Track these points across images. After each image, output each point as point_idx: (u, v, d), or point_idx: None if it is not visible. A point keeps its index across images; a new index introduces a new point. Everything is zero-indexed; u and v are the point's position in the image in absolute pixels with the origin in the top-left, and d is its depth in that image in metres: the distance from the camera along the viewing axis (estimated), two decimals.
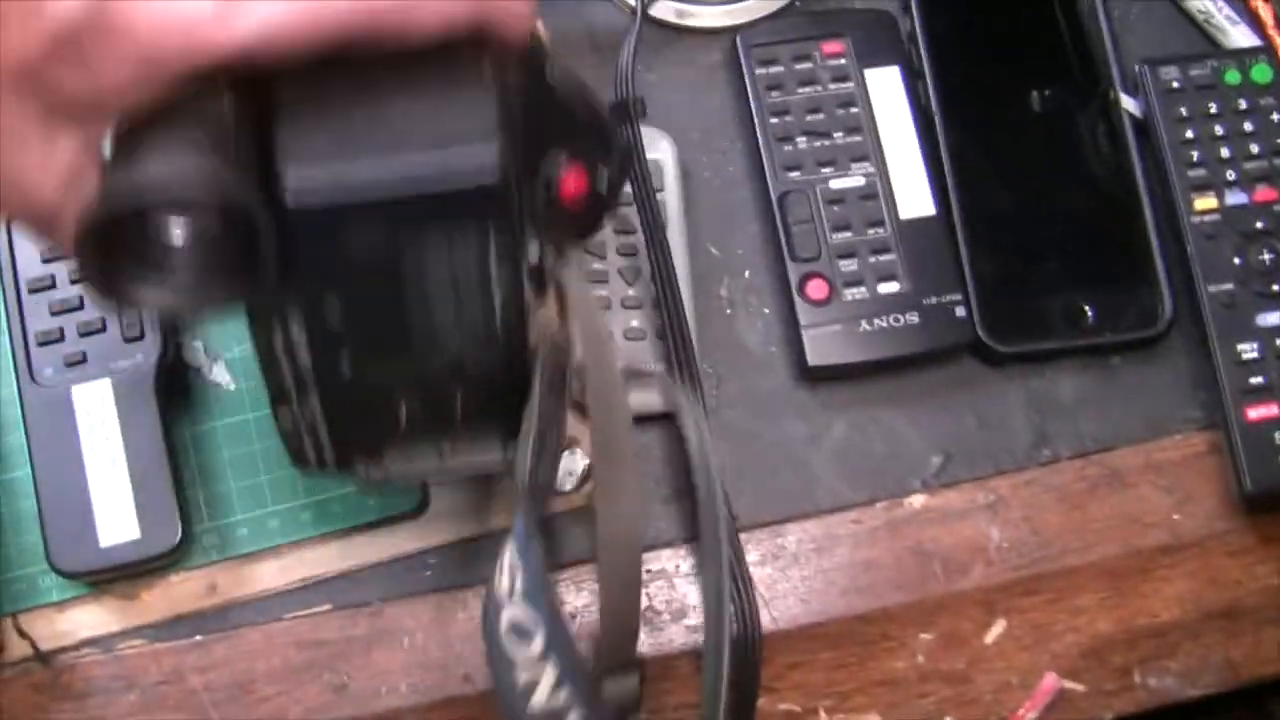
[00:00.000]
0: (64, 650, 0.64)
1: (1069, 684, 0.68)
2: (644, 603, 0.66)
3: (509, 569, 0.51)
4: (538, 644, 0.51)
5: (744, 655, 0.63)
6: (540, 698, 0.51)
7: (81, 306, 0.65)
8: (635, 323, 0.67)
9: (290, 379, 0.50)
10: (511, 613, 0.51)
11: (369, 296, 0.47)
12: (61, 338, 0.65)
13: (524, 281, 0.48)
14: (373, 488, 0.54)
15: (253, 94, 0.42)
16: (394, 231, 0.44)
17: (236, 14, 0.38)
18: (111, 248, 0.41)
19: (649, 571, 0.67)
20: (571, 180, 0.49)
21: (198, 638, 0.65)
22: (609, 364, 0.53)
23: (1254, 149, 0.70)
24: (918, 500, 0.68)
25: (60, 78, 0.39)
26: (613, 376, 0.52)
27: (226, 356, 0.67)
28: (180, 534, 0.63)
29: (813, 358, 0.67)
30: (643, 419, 0.68)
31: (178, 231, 0.42)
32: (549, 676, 0.51)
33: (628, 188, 0.67)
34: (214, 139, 0.41)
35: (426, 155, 0.42)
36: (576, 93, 0.49)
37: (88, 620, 0.65)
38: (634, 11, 0.69)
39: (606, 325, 0.54)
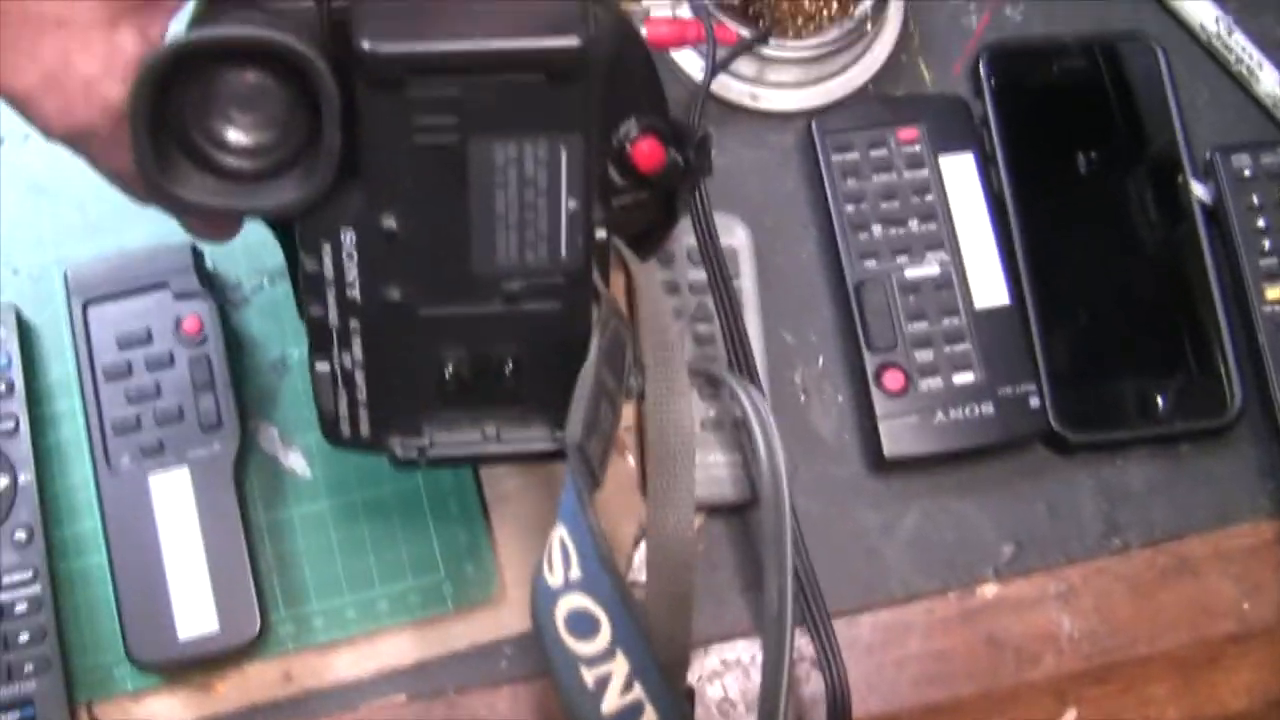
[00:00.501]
0: None
1: None
2: (719, 694, 0.66)
3: (560, 552, 0.46)
4: (604, 635, 0.46)
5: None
6: (612, 697, 0.46)
7: (158, 394, 0.65)
8: (713, 412, 0.66)
9: (335, 314, 0.47)
10: (570, 602, 0.46)
11: (430, 205, 0.45)
12: (138, 425, 0.65)
13: (592, 209, 0.46)
14: (408, 468, 0.51)
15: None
16: (465, 110, 0.42)
17: None
18: (166, 141, 0.41)
19: (723, 662, 0.66)
20: (646, 148, 0.48)
21: None
22: (674, 358, 0.50)
23: None
24: (990, 589, 0.69)
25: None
26: (676, 372, 0.50)
27: (301, 443, 0.67)
28: (259, 627, 0.63)
29: (889, 449, 0.67)
30: (716, 509, 0.68)
31: (237, 119, 0.42)
32: (621, 671, 0.46)
33: (703, 275, 0.67)
34: (293, 26, 0.41)
35: (507, 27, 0.41)
36: (656, 71, 0.48)
37: (162, 710, 0.65)
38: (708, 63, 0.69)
39: (674, 323, 0.52)
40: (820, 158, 0.70)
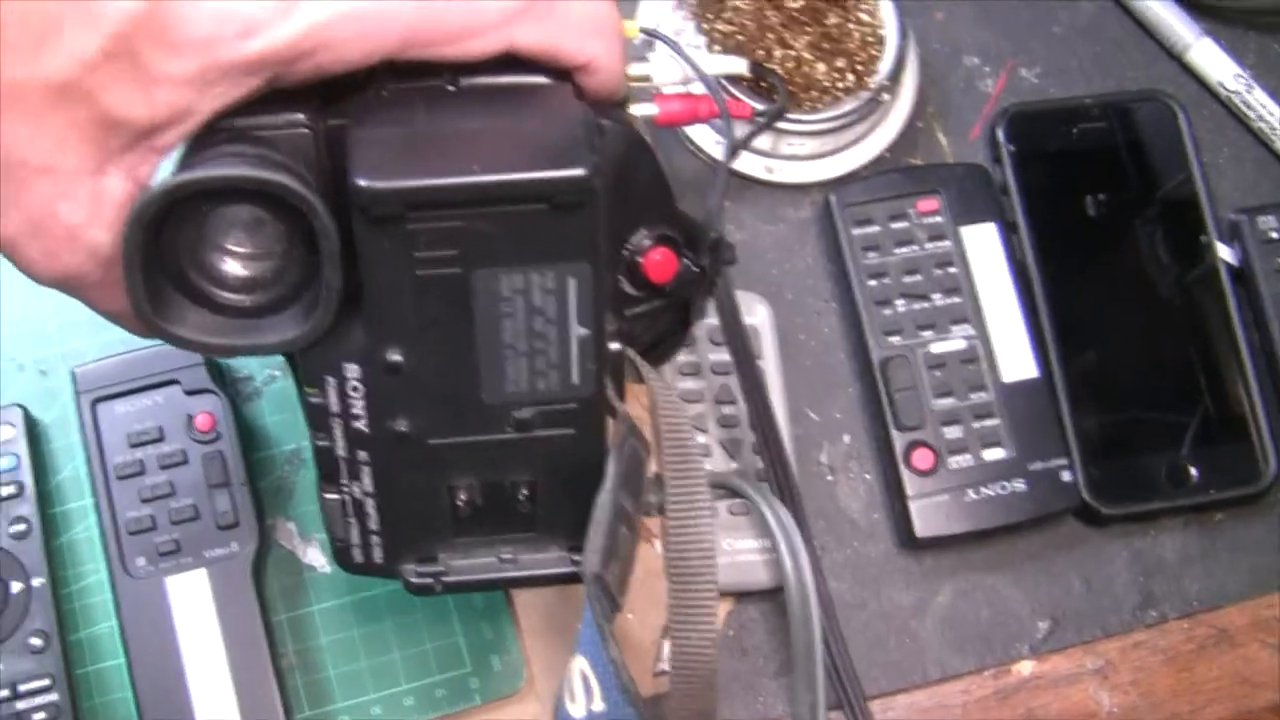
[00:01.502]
0: None
1: None
2: None
3: (581, 683, 0.45)
4: None
5: None
6: None
7: (173, 493, 0.64)
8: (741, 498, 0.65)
9: (343, 445, 0.46)
10: None
11: (435, 336, 0.43)
12: (154, 526, 0.64)
13: (604, 335, 0.45)
14: (423, 594, 0.50)
15: (327, 121, 0.41)
16: (467, 242, 0.41)
17: (293, 10, 0.37)
18: (161, 281, 0.39)
19: None
20: (657, 257, 0.47)
21: None
22: (695, 473, 0.48)
23: None
24: (1026, 667, 0.67)
25: (114, 94, 0.37)
26: (697, 488, 0.48)
27: (320, 538, 0.66)
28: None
29: (921, 530, 0.65)
30: (747, 594, 0.66)
31: (233, 254, 0.40)
32: None
33: (725, 355, 0.65)
34: (286, 157, 0.40)
35: (509, 163, 0.39)
36: (666, 178, 0.47)
37: None
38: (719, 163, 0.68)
39: (693, 433, 0.49)
40: (840, 231, 0.69)
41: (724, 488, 0.63)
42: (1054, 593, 0.69)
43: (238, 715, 0.62)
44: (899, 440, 0.67)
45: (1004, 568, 0.69)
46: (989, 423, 0.67)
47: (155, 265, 0.40)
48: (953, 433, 0.67)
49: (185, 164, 0.40)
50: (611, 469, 0.46)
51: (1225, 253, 0.71)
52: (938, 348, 0.68)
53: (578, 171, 0.39)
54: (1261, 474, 0.69)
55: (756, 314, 0.68)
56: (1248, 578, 0.70)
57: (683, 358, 0.67)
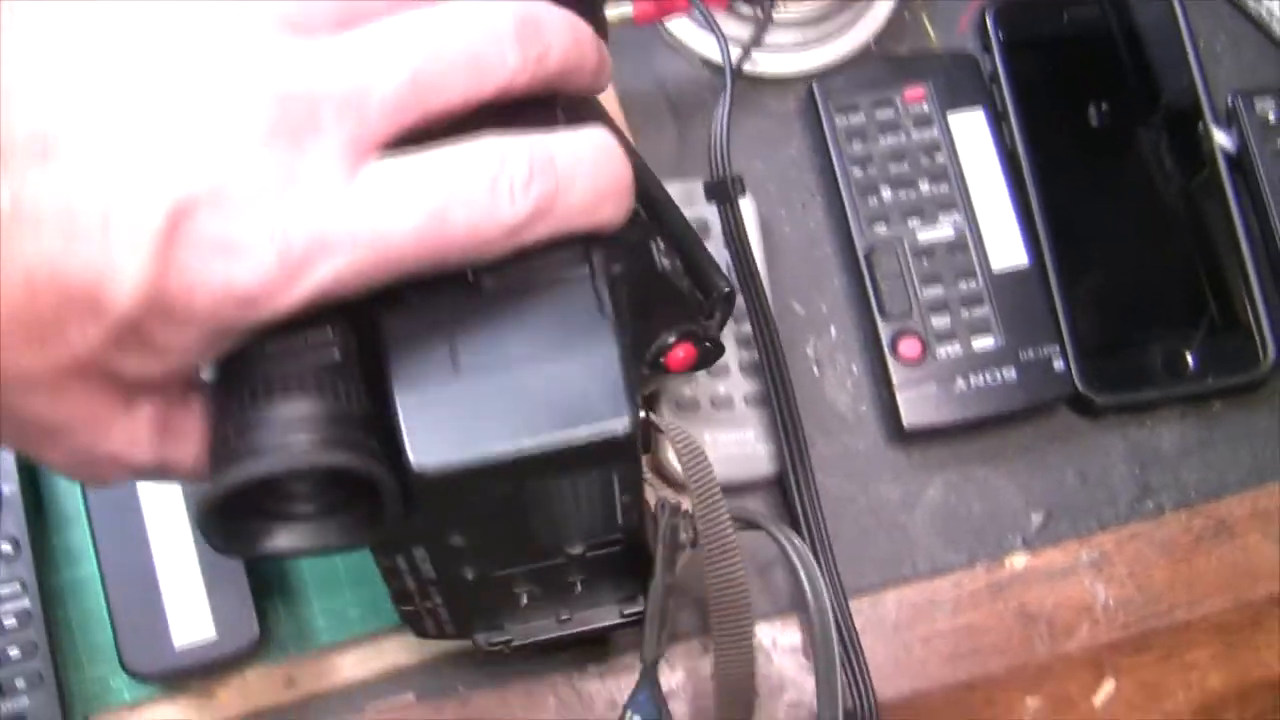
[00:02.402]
0: None
1: None
2: None
3: None
4: None
5: None
6: None
7: None
8: (722, 389, 0.63)
9: (413, 586, 0.49)
10: None
11: (494, 524, 0.46)
12: None
13: (644, 499, 0.48)
14: (495, 658, 0.56)
15: (357, 326, 0.40)
16: (519, 484, 0.43)
17: (298, 274, 0.35)
18: (234, 513, 0.39)
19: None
20: (679, 354, 0.50)
21: None
22: (722, 519, 0.52)
23: None
24: (1019, 560, 0.66)
25: (126, 363, 0.37)
26: (726, 530, 0.53)
27: None
28: (258, 632, 0.60)
29: (909, 420, 0.64)
30: (736, 489, 0.65)
31: (300, 492, 0.41)
32: None
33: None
34: (326, 387, 0.39)
35: (553, 422, 0.40)
36: (682, 273, 0.48)
37: None
38: (726, 74, 0.65)
39: (715, 480, 0.53)
40: (824, 122, 0.68)
41: (743, 520, 0.61)
42: (1047, 485, 0.67)
43: (210, 620, 0.61)
44: (885, 330, 0.65)
45: (996, 460, 0.67)
46: (978, 311, 0.65)
47: (228, 522, 0.40)
48: (940, 321, 0.65)
49: (238, 421, 0.39)
50: (659, 564, 0.51)
51: (1222, 138, 0.69)
52: (925, 236, 0.66)
53: (618, 428, 0.40)
54: (1260, 362, 0.67)
55: (740, 206, 0.66)
56: (1247, 468, 0.68)
57: None
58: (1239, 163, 0.70)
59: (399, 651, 0.63)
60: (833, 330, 0.68)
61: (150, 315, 0.35)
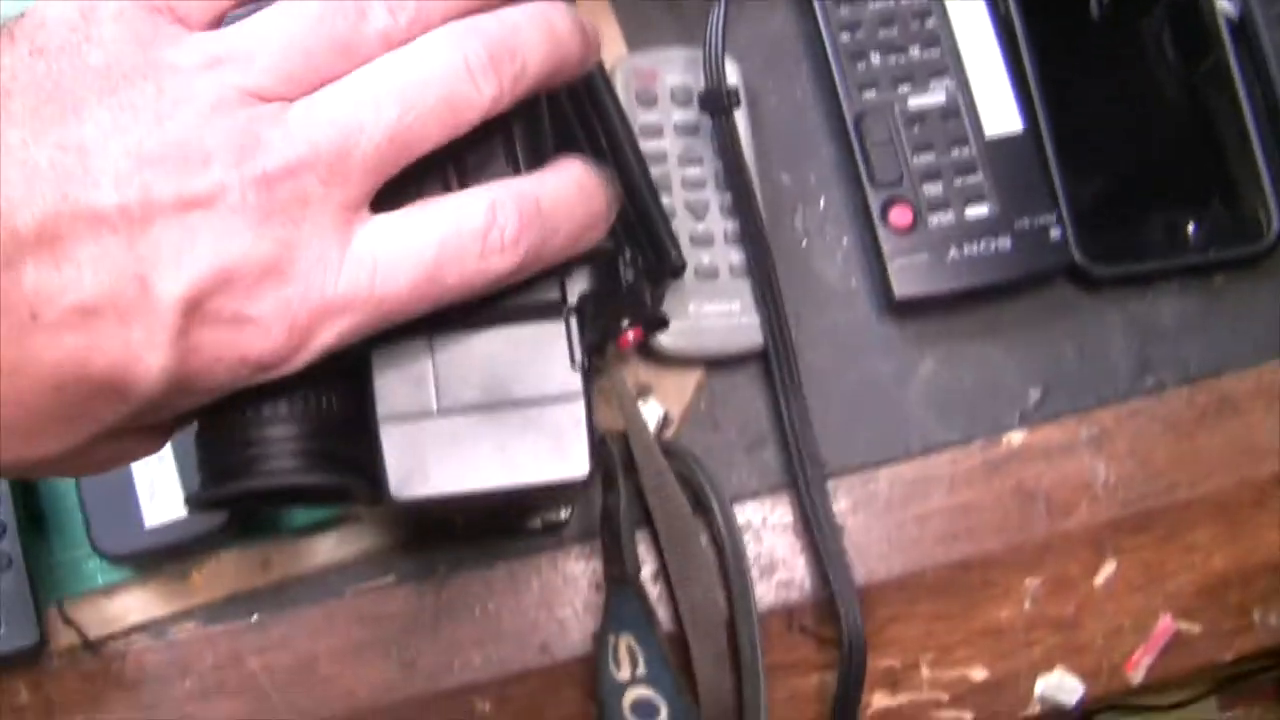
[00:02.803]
0: (113, 637, 0.60)
1: (1185, 625, 0.64)
2: None
3: (626, 654, 0.58)
4: (663, 717, 0.57)
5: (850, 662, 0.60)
6: None
7: None
8: (706, 259, 0.61)
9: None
10: (635, 694, 0.57)
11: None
12: None
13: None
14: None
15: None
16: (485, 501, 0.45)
17: (306, 339, 0.37)
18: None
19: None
20: (629, 336, 0.51)
21: (254, 618, 0.61)
22: (660, 465, 0.58)
23: None
24: (1016, 437, 0.64)
25: (145, 420, 0.38)
26: (664, 474, 0.58)
27: None
28: (229, 511, 0.58)
29: (899, 289, 0.62)
30: (716, 362, 0.63)
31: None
32: None
33: (690, 115, 0.62)
34: (308, 411, 0.41)
35: (521, 467, 0.43)
36: (642, 281, 0.51)
37: (137, 605, 0.61)
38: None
39: (645, 423, 0.59)
40: None
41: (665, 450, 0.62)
42: (1045, 360, 0.65)
43: (181, 501, 0.59)
44: (875, 198, 0.63)
45: (991, 334, 0.65)
46: (971, 179, 0.63)
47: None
48: (933, 189, 0.63)
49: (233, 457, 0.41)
50: (623, 487, 0.58)
51: (1225, 6, 0.67)
52: (916, 102, 0.64)
53: (579, 474, 0.43)
54: (1263, 233, 0.65)
55: (727, 76, 0.64)
56: (1250, 344, 0.66)
57: (644, 118, 0.63)
58: (1243, 30, 0.67)
59: (379, 534, 0.62)
60: (821, 201, 0.66)
61: (172, 391, 0.36)
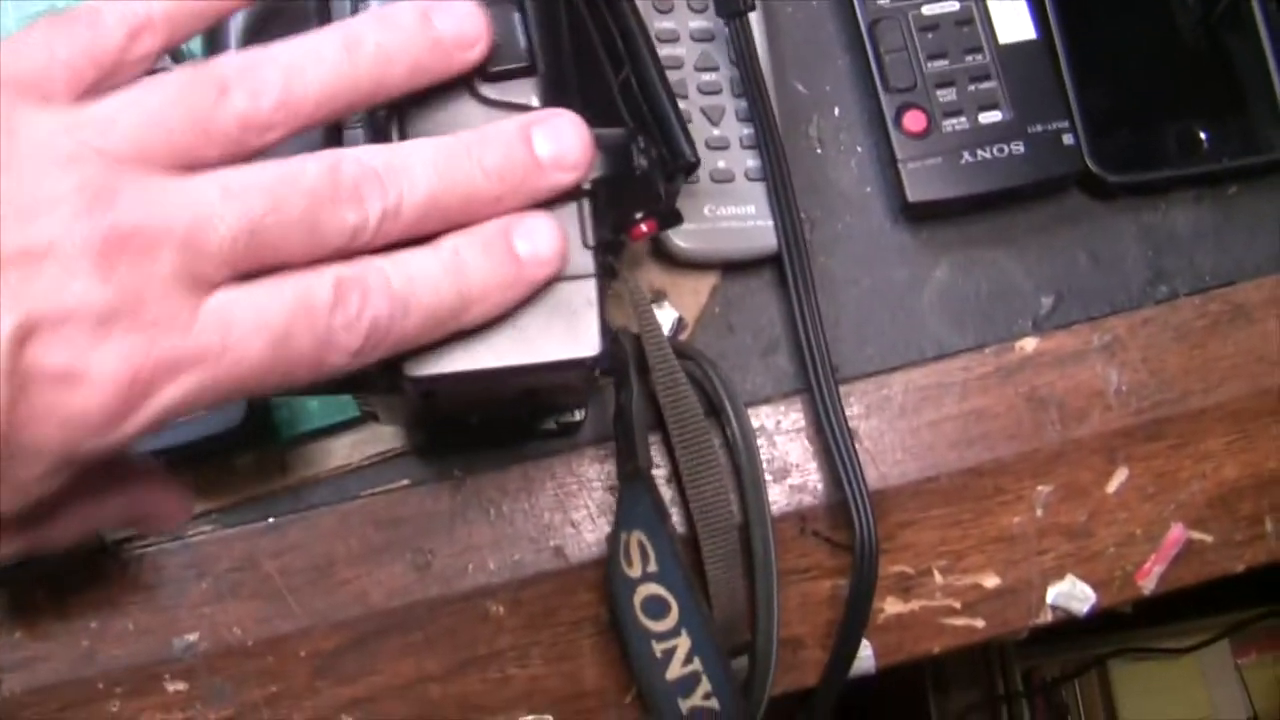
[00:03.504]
0: (129, 540, 0.60)
1: (1196, 535, 0.64)
2: None
3: (637, 550, 0.57)
4: (672, 617, 0.57)
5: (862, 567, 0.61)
6: (676, 666, 0.57)
7: None
8: (722, 164, 0.62)
9: (382, 412, 0.57)
10: (646, 590, 0.57)
11: (469, 401, 0.52)
12: None
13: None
14: None
15: None
16: (500, 382, 0.46)
17: (145, 396, 0.37)
18: None
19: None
20: (642, 228, 0.52)
21: (270, 520, 0.61)
22: (673, 366, 0.58)
23: None
24: (1029, 344, 0.64)
25: None
26: (677, 374, 0.58)
27: None
28: (244, 410, 0.59)
29: (912, 193, 0.62)
30: (731, 265, 0.63)
31: None
32: (684, 646, 0.57)
33: (705, 22, 0.63)
34: None
35: (534, 345, 0.44)
36: (656, 172, 0.51)
37: None
38: None
39: (659, 324, 0.59)
40: None
41: (679, 352, 0.62)
42: (1058, 268, 0.65)
43: None
44: (889, 103, 0.64)
45: (1005, 241, 0.65)
46: (985, 85, 0.64)
47: None
48: (946, 95, 0.63)
49: None
50: (634, 384, 0.57)
51: None
52: (930, 9, 0.65)
53: (588, 354, 0.44)
54: (1277, 142, 0.65)
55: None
56: (1263, 253, 0.67)
57: (660, 24, 0.63)
58: None
59: (394, 436, 0.62)
60: (836, 109, 0.67)
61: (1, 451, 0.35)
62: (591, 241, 0.45)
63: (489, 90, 0.45)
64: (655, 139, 0.55)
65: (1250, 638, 1.23)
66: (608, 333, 0.45)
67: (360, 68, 0.40)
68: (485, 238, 0.42)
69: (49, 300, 0.35)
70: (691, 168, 0.56)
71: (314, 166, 0.39)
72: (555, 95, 0.45)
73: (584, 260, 0.45)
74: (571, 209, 0.45)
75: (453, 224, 0.42)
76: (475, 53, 0.43)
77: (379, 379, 0.44)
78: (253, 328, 0.37)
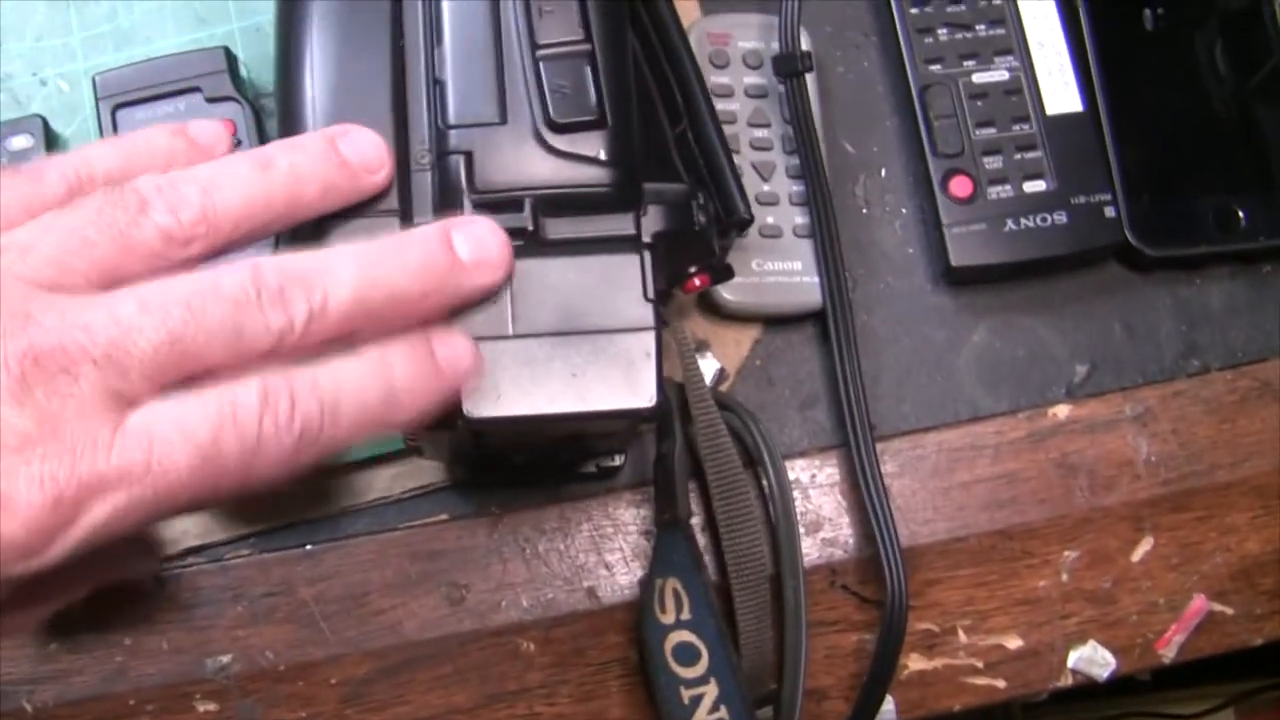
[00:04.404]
0: (169, 559, 0.61)
1: (1218, 606, 0.65)
2: None
3: (672, 598, 0.59)
4: (702, 665, 0.58)
5: (892, 622, 0.62)
6: (702, 713, 0.58)
7: None
8: (771, 219, 0.63)
9: (428, 449, 0.58)
10: (678, 637, 0.58)
11: (520, 441, 0.53)
12: None
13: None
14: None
15: None
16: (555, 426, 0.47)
17: (72, 517, 0.36)
18: None
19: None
20: (695, 282, 0.54)
21: (308, 547, 0.62)
22: (713, 414, 0.59)
23: None
24: (1062, 410, 0.65)
25: None
26: (718, 425, 0.60)
27: None
28: None
29: (956, 258, 0.64)
30: (772, 320, 0.65)
31: None
32: (711, 694, 0.58)
33: (760, 79, 0.64)
34: None
35: (591, 393, 0.45)
36: (713, 227, 0.52)
37: (193, 528, 0.63)
38: None
39: (702, 373, 0.61)
40: None
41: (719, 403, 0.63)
42: (1094, 336, 0.67)
43: None
44: (937, 168, 0.65)
45: (1042, 309, 0.67)
46: (1031, 154, 0.65)
47: None
48: (993, 163, 0.65)
49: None
50: (679, 434, 0.59)
51: None
52: (980, 78, 0.66)
53: (644, 404, 0.45)
54: None
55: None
56: None
57: (716, 79, 0.65)
58: None
59: (434, 470, 0.64)
60: (883, 171, 0.68)
61: None
62: (651, 295, 0.46)
63: (558, 141, 0.46)
64: (711, 194, 0.57)
65: (1255, 708, 1.24)
66: (663, 385, 0.46)
67: (274, 185, 0.42)
68: (409, 341, 0.43)
69: None
70: (745, 224, 0.57)
71: (234, 273, 0.40)
72: (621, 148, 0.47)
73: (643, 313, 0.46)
74: (632, 261, 0.46)
75: (380, 324, 0.42)
76: (380, 176, 0.45)
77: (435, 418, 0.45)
78: (178, 441, 0.37)
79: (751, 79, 0.66)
